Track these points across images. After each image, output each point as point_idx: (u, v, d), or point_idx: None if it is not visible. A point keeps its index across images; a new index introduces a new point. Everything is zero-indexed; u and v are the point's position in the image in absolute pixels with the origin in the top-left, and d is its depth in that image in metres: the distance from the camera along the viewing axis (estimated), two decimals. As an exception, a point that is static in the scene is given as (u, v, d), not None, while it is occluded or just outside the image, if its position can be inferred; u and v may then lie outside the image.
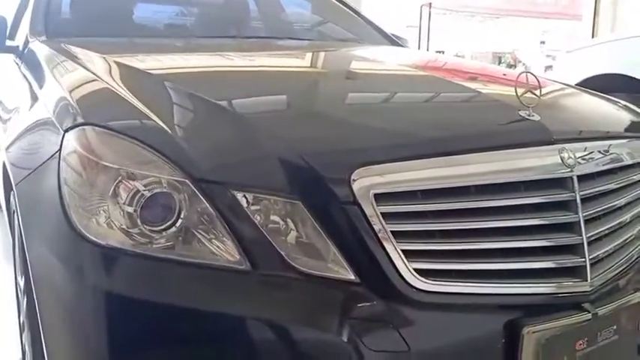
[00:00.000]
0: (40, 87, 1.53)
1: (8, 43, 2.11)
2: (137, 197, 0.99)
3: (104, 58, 1.56)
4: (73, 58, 1.59)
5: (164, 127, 1.07)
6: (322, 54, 2.03)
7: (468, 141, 1.12)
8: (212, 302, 0.98)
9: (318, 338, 0.98)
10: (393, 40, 2.65)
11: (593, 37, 7.40)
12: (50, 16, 2.04)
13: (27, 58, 1.87)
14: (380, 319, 0.99)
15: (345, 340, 0.96)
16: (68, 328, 1.05)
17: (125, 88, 1.25)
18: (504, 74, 1.76)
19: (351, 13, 2.85)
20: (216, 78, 1.52)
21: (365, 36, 2.59)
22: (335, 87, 1.51)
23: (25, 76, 1.76)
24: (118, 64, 1.51)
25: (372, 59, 2.03)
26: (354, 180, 1.00)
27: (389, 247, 1.00)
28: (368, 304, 0.99)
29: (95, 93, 1.31)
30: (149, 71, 1.46)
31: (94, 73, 1.39)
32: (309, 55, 2.00)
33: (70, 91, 1.27)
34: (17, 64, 1.95)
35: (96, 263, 1.00)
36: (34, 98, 1.51)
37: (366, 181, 1.00)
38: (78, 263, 1.02)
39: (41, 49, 1.78)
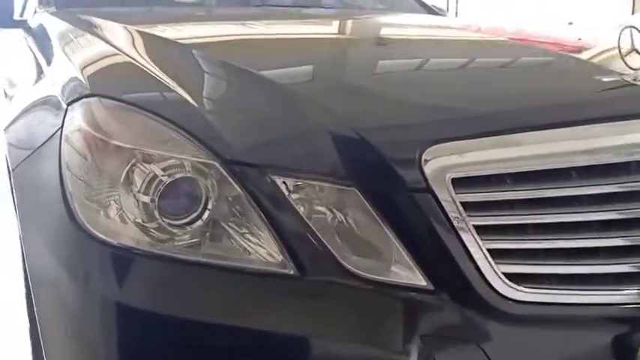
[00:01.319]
0: (48, 62, 1.36)
1: (16, 18, 1.95)
2: (155, 184, 0.82)
3: (121, 27, 1.39)
4: (85, 28, 1.42)
5: (189, 99, 0.90)
6: (363, 20, 1.83)
7: (566, 111, 0.91)
8: (249, 316, 0.80)
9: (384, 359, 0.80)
10: (432, 11, 2.41)
11: (633, 13, 7.05)
12: None
13: (35, 32, 1.71)
14: (460, 336, 0.82)
15: None
16: (71, 345, 0.87)
17: (143, 57, 1.11)
18: (579, 38, 1.52)
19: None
20: (250, 46, 1.34)
21: (399, 5, 2.36)
22: (391, 52, 1.31)
23: (32, 51, 1.59)
24: (135, 32, 1.35)
25: (424, 25, 1.83)
26: (425, 161, 0.82)
27: (471, 245, 0.81)
28: (444, 316, 0.82)
29: (108, 65, 1.15)
30: (172, 39, 1.29)
31: (109, 43, 1.24)
32: (350, 22, 1.79)
33: (81, 65, 1.12)
34: (25, 39, 1.79)
35: (105, 266, 0.82)
36: (40, 75, 1.35)
37: (441, 162, 0.82)
38: (83, 266, 0.84)
39: (50, 21, 1.62)
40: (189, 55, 1.13)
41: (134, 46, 1.25)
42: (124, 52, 1.16)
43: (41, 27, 1.65)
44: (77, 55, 1.23)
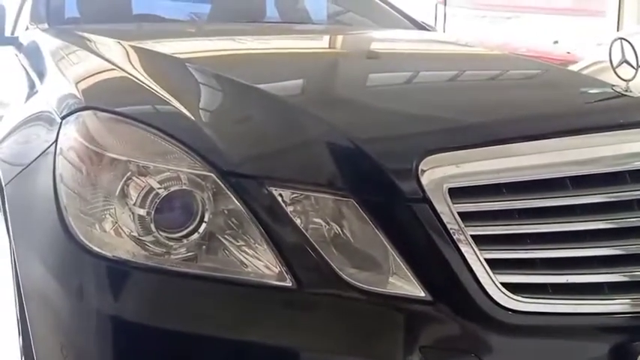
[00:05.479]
0: (41, 79, 1.35)
1: (8, 35, 1.95)
2: (151, 197, 0.82)
3: (114, 43, 1.39)
4: (79, 44, 1.42)
5: (185, 112, 0.90)
6: (358, 36, 1.85)
7: (560, 121, 0.92)
8: (247, 329, 0.79)
9: None
10: (423, 27, 2.44)
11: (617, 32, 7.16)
12: (52, 2, 1.87)
13: (27, 49, 1.70)
14: (458, 347, 0.81)
15: None
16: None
17: (138, 71, 1.11)
18: (569, 52, 1.55)
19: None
20: (245, 60, 1.34)
21: (391, 22, 2.39)
22: (386, 66, 1.33)
23: (24, 68, 1.59)
24: (129, 47, 1.35)
25: (417, 40, 1.85)
26: (422, 171, 0.82)
27: (469, 255, 0.81)
28: (443, 327, 0.82)
29: (103, 79, 1.15)
30: (167, 54, 1.30)
31: (103, 59, 1.24)
32: (344, 37, 1.81)
33: (75, 80, 1.12)
34: (17, 55, 1.78)
35: (100, 280, 0.81)
36: (33, 91, 1.35)
37: (438, 172, 0.82)
38: (77, 280, 0.83)
39: (42, 38, 1.61)
40: (184, 69, 1.14)
41: (129, 61, 1.25)
42: (118, 67, 1.16)
43: (33, 44, 1.64)
44: (71, 70, 1.23)
